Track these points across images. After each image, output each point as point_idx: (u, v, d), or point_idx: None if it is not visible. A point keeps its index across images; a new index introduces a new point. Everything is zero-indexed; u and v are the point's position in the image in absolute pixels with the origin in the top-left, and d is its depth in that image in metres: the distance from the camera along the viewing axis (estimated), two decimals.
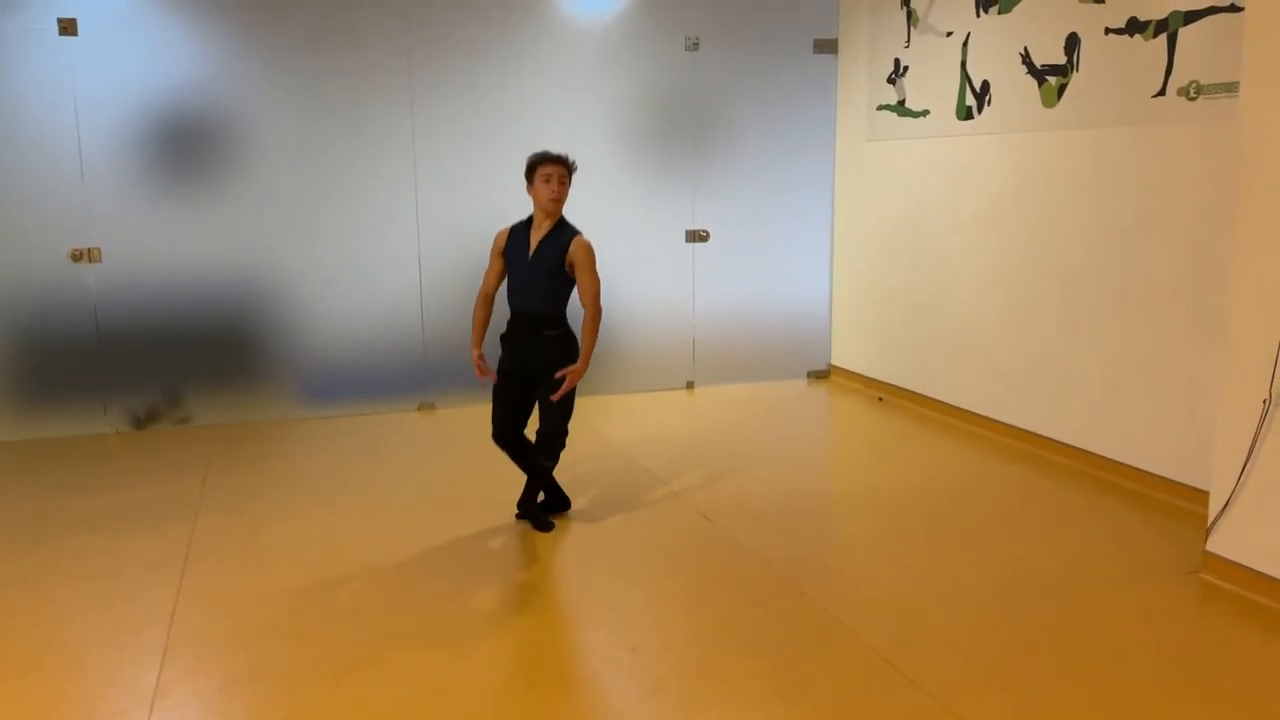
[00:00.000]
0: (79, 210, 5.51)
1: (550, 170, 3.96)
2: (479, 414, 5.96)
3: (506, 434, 4.16)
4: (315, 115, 5.81)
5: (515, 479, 4.67)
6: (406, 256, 6.08)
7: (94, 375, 5.66)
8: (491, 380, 4.16)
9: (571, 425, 4.16)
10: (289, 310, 5.93)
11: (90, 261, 5.56)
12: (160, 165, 5.62)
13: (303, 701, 2.88)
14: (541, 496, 4.29)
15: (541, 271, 4.01)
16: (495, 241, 4.16)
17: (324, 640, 3.24)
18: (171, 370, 5.78)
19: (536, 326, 4.04)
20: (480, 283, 4.26)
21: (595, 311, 4.02)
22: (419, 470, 5.02)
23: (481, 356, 4.16)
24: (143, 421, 5.78)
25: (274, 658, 3.13)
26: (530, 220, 4.09)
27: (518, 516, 4.29)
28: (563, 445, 4.14)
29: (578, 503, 4.45)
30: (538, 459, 4.14)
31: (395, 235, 6.03)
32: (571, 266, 4.02)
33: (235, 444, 5.50)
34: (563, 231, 4.03)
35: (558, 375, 4.01)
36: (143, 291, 5.67)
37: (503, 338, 4.15)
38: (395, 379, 6.16)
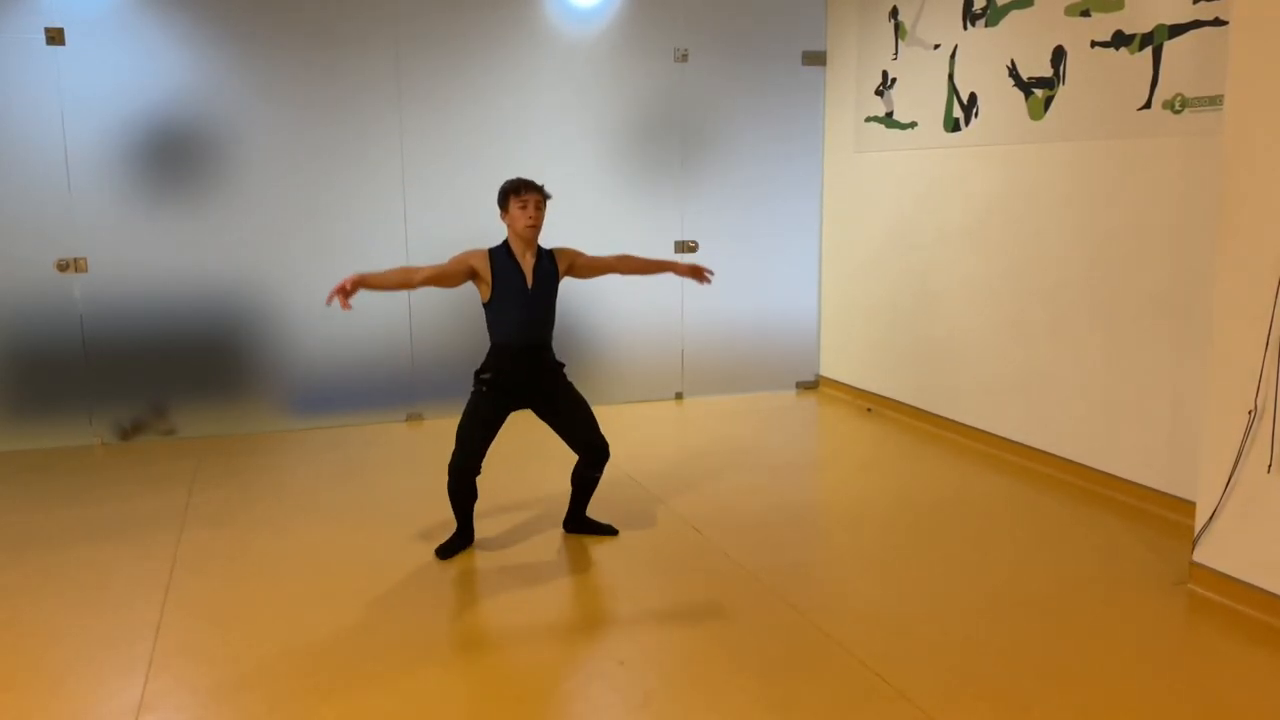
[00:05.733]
0: (65, 220, 5.48)
1: (528, 197, 3.91)
2: None
3: (476, 468, 3.96)
4: (303, 126, 5.80)
5: (503, 490, 4.67)
6: (394, 266, 6.05)
7: (79, 386, 5.62)
8: (339, 306, 3.61)
9: (557, 439, 4.16)
10: (276, 321, 5.91)
11: (76, 271, 5.53)
12: (147, 175, 5.60)
13: (288, 715, 2.86)
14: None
15: (547, 301, 4.01)
16: (471, 256, 3.93)
17: (310, 654, 3.22)
18: (158, 381, 5.75)
19: (543, 353, 4.04)
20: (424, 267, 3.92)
21: (620, 255, 4.22)
22: (407, 482, 4.99)
23: (355, 287, 3.61)
24: (129, 433, 5.74)
25: (260, 671, 3.11)
26: (507, 248, 3.97)
27: (569, 530, 4.29)
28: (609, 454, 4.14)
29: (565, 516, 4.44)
30: (589, 471, 4.14)
31: (383, 245, 6.00)
32: (570, 270, 4.07)
33: (222, 456, 5.47)
34: (544, 256, 4.03)
35: (706, 275, 4.24)
36: (129, 302, 5.64)
37: (498, 375, 3.94)
38: (383, 390, 6.13)
